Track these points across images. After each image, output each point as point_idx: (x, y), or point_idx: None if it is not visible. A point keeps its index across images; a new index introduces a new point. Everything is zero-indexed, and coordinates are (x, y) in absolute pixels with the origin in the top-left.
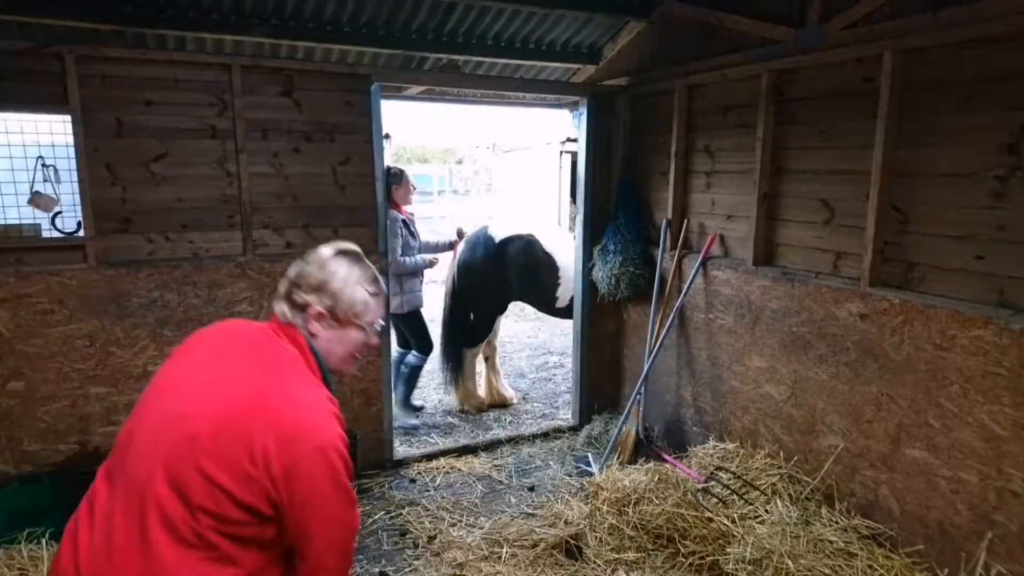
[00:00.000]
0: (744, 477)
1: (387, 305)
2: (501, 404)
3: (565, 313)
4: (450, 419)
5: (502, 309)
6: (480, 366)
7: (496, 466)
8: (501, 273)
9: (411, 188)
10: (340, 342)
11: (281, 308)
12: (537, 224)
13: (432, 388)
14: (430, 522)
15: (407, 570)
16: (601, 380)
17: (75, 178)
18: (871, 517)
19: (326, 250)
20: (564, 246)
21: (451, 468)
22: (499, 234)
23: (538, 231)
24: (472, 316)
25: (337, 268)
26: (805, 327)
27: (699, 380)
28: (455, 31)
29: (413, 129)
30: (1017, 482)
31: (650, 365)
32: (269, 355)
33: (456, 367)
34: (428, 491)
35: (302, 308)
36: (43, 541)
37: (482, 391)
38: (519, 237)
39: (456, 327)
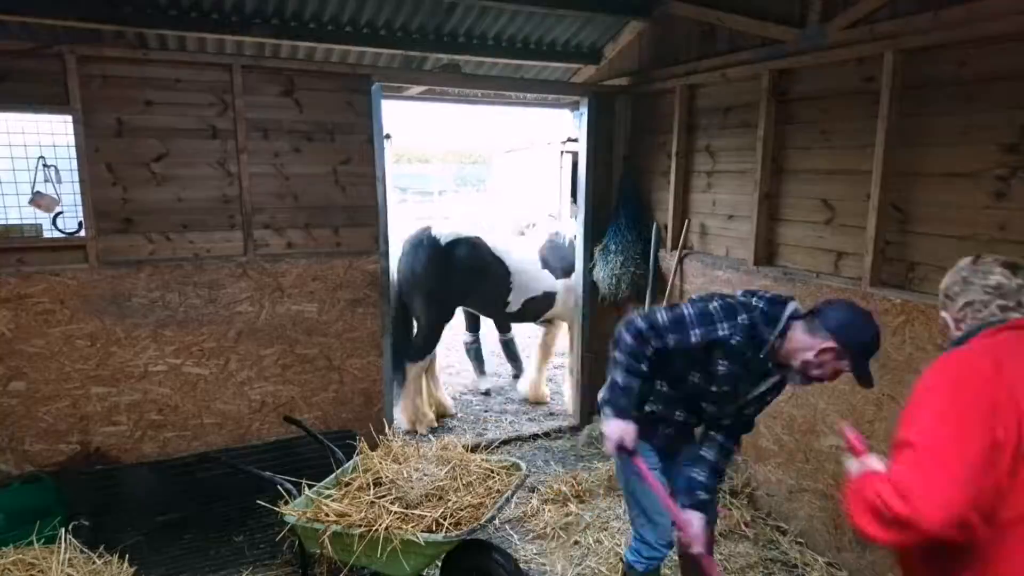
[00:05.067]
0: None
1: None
2: (440, 415)
3: (518, 317)
4: (450, 420)
5: (449, 317)
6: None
7: None
8: (446, 278)
9: None
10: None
11: None
12: (485, 224)
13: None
14: None
15: None
16: (601, 380)
17: (76, 178)
18: None
19: None
20: (515, 247)
21: None
22: (444, 236)
23: (485, 232)
24: (416, 326)
25: None
26: None
27: None
28: (455, 31)
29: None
30: None
31: None
32: None
33: (401, 383)
34: None
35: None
36: (57, 539)
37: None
38: (465, 239)
39: (398, 338)
